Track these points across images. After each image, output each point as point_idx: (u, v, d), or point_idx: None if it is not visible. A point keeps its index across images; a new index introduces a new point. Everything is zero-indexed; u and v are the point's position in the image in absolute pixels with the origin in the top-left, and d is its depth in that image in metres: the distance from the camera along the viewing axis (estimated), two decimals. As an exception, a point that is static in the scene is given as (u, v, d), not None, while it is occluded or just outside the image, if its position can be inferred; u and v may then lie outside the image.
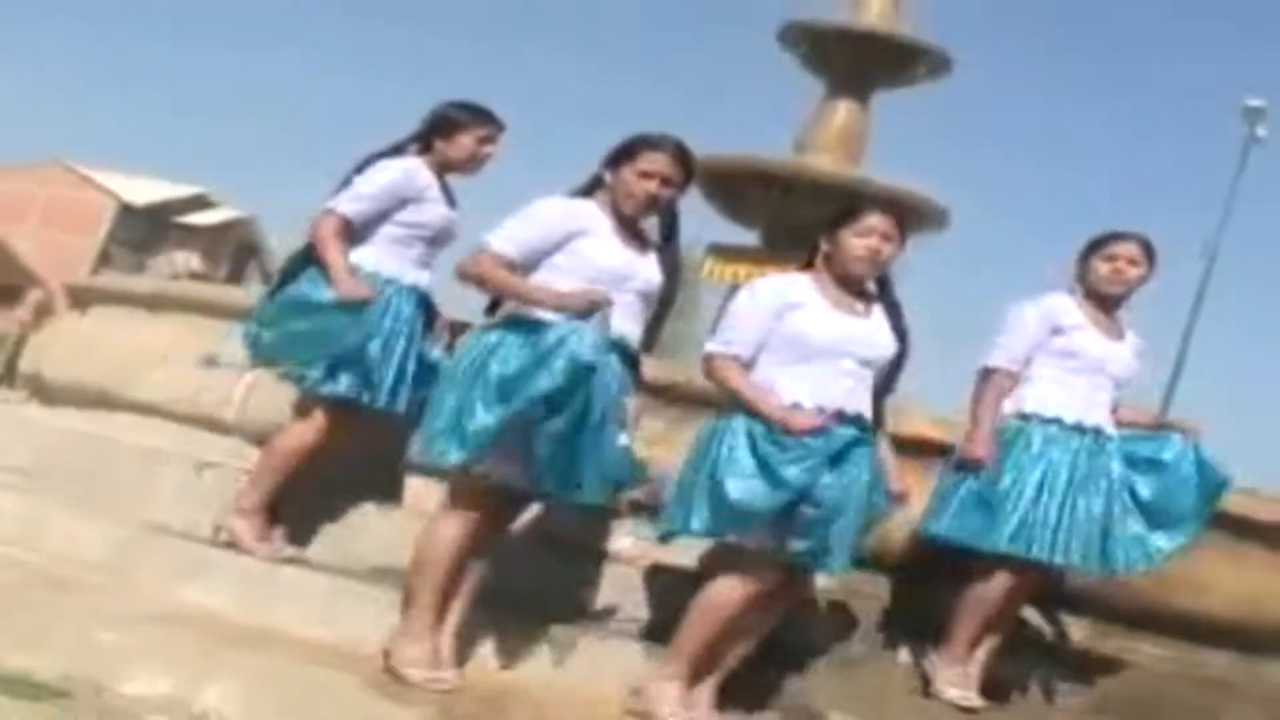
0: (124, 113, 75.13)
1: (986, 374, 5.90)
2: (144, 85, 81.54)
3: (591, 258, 5.25)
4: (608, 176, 5.38)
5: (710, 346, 5.32)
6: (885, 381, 5.37)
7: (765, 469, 5.04)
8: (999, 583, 5.79)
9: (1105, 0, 76.82)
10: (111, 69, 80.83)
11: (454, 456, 5.07)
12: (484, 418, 5.00)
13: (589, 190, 5.42)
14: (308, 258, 6.01)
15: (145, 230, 44.49)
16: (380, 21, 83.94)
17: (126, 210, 44.21)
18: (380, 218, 6.01)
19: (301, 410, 6.02)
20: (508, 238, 5.25)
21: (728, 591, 5.21)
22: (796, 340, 5.23)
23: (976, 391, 5.90)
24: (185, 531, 6.15)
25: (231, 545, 5.93)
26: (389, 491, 6.20)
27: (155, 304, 8.08)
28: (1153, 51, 79.16)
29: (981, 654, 5.85)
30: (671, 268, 5.45)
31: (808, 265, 5.45)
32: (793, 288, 5.33)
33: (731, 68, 60.46)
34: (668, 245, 5.48)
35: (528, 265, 5.26)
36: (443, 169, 6.15)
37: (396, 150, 6.11)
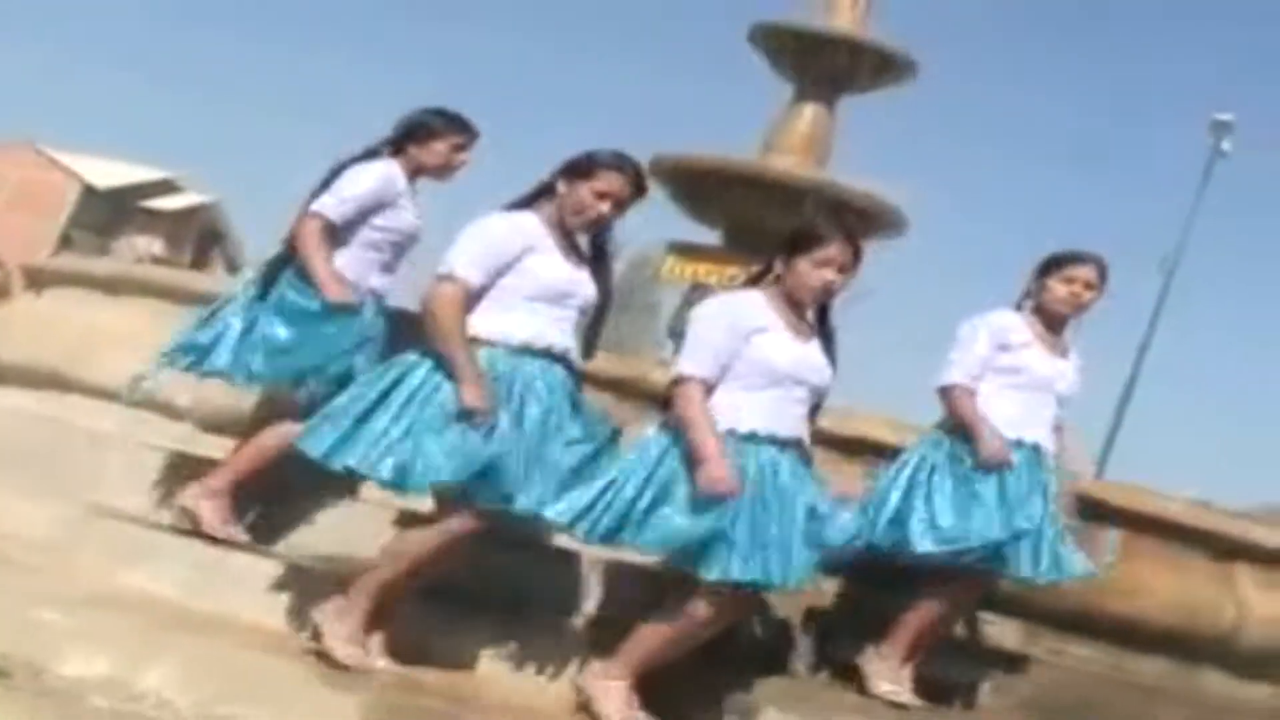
0: (103, 95, 74.68)
1: (948, 391, 5.88)
2: (122, 66, 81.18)
3: (538, 274, 5.27)
4: (561, 187, 5.36)
5: (683, 368, 5.24)
6: (816, 406, 5.44)
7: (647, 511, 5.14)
8: (951, 588, 5.83)
9: (1079, 11, 77.23)
10: (89, 49, 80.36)
11: (445, 475, 5.10)
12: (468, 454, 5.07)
13: (534, 198, 5.40)
14: (286, 260, 5.99)
15: (108, 213, 44.21)
16: (352, 9, 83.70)
17: (90, 193, 43.97)
18: (359, 221, 5.99)
19: (291, 410, 5.93)
20: (471, 264, 5.22)
21: (704, 613, 5.19)
22: (761, 366, 5.24)
23: (952, 408, 5.86)
24: (133, 515, 6.14)
25: (191, 528, 5.88)
26: (343, 483, 6.15)
27: (113, 287, 8.07)
28: (1124, 58, 79.47)
29: (917, 655, 5.89)
30: (604, 281, 5.48)
31: (755, 279, 5.46)
32: (755, 310, 5.32)
33: (711, 64, 60.56)
34: (600, 260, 5.48)
35: (486, 286, 5.25)
36: (414, 174, 6.14)
37: (372, 154, 6.09)
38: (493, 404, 5.12)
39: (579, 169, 5.35)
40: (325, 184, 6.00)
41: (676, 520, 5.10)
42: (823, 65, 13.54)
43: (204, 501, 5.93)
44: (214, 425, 6.79)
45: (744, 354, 5.23)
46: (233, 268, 42.80)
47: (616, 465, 5.24)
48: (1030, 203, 72.67)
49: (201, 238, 47.09)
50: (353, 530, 5.91)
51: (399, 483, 5.17)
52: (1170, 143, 65.35)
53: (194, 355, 6.00)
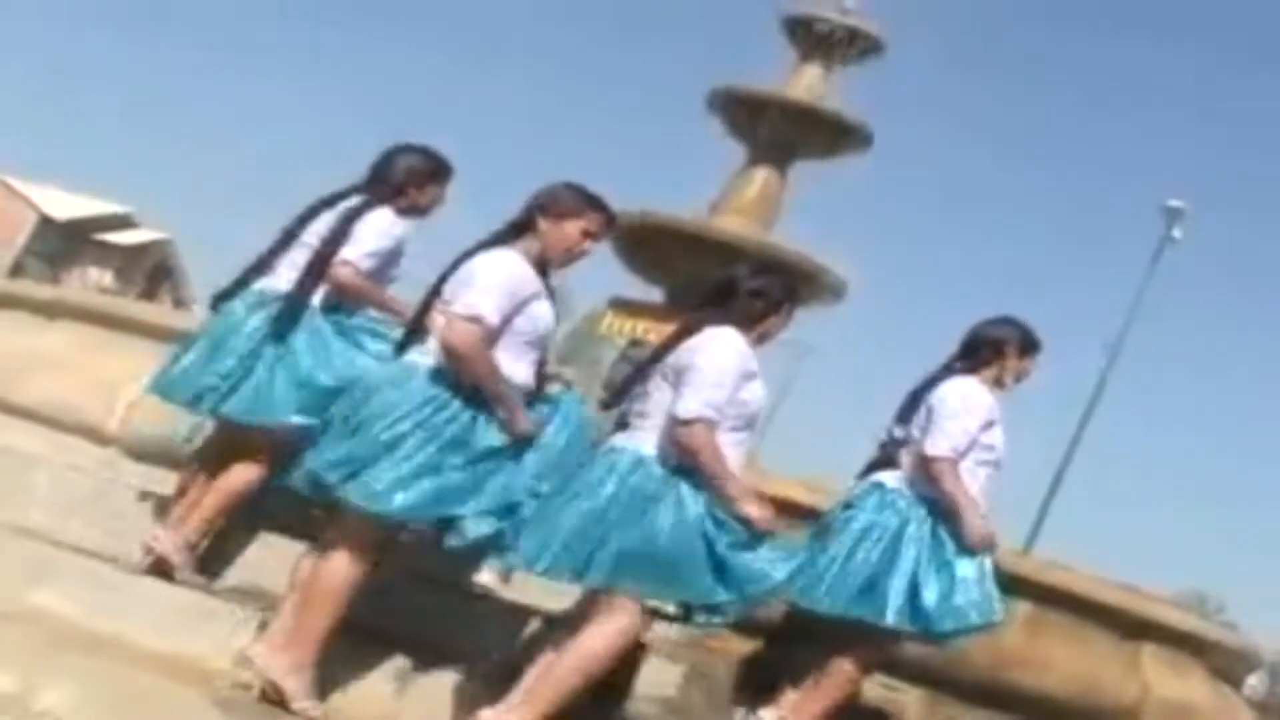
0: (70, 126, 74.26)
1: (939, 462, 5.71)
2: (91, 97, 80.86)
3: (539, 318, 5.25)
4: (543, 225, 5.31)
5: (703, 410, 5.11)
6: None
7: (722, 565, 5.07)
8: (877, 654, 5.77)
9: (1036, 94, 78.12)
10: (56, 78, 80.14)
11: (410, 509, 5.07)
12: (461, 497, 5.08)
13: (510, 234, 5.33)
14: (302, 303, 5.80)
15: (62, 244, 44.22)
16: (311, 61, 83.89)
17: (47, 223, 43.93)
18: (373, 273, 5.90)
19: (255, 450, 5.84)
20: (496, 308, 5.12)
21: (610, 643, 5.12)
22: (747, 409, 5.23)
23: (940, 481, 5.69)
24: (49, 536, 6.13)
25: (163, 571, 5.83)
26: (252, 514, 6.12)
27: (51, 311, 8.12)
28: (1079, 139, 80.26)
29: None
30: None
31: (710, 313, 5.37)
32: (749, 353, 5.29)
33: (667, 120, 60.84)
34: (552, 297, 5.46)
35: (500, 329, 5.17)
36: (404, 216, 6.02)
37: (381, 200, 5.93)
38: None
39: (565, 208, 5.32)
40: (342, 230, 5.82)
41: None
42: (776, 131, 13.72)
43: (183, 554, 5.86)
44: (139, 453, 6.83)
45: (735, 398, 5.19)
46: (179, 303, 42.81)
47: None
48: (975, 275, 72.97)
49: (152, 273, 47.10)
50: (262, 562, 5.93)
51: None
52: (1122, 223, 65.96)
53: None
